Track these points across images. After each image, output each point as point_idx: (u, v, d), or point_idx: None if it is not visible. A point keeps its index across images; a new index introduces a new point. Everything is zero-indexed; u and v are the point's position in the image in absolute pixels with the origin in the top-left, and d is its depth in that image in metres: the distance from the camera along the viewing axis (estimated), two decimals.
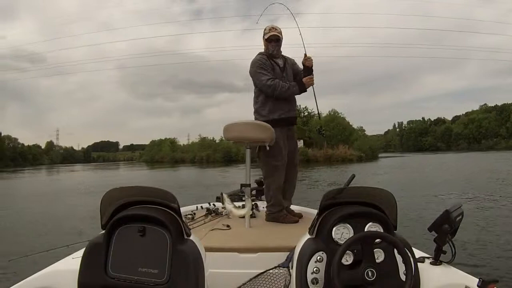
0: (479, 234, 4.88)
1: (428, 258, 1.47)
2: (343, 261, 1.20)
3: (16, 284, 1.35)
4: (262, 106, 2.49)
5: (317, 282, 1.22)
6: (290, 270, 1.55)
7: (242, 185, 2.38)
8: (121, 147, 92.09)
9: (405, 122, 66.93)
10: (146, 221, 1.18)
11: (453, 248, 1.41)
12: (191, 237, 1.25)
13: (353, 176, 2.00)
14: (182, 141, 53.73)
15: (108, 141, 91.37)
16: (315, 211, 1.68)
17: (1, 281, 3.15)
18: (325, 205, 1.34)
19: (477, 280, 1.22)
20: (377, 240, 1.22)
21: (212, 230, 2.15)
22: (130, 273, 1.14)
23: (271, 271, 1.64)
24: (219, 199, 2.89)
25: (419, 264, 1.30)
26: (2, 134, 55.24)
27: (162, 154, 48.78)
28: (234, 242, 1.95)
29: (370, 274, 1.15)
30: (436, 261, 1.43)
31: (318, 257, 1.23)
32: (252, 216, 2.43)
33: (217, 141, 38.49)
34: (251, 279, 1.63)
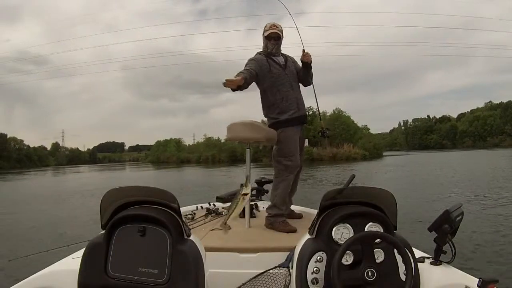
0: (479, 234, 4.88)
1: (428, 258, 1.47)
2: (343, 261, 1.20)
3: (16, 284, 1.35)
4: (272, 107, 2.38)
5: (317, 282, 1.22)
6: (290, 270, 1.55)
7: (242, 185, 2.38)
8: (126, 147, 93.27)
9: (410, 120, 67.49)
10: (146, 221, 1.18)
11: (453, 248, 1.41)
12: (191, 237, 1.25)
13: (353, 176, 1.99)
14: (188, 141, 54.39)
15: (113, 142, 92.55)
16: (315, 211, 1.68)
17: (1, 281, 3.15)
18: (325, 205, 1.34)
19: (477, 280, 1.22)
20: (377, 240, 1.22)
21: (212, 230, 2.15)
22: (130, 273, 1.14)
23: (271, 271, 1.64)
24: (219, 199, 2.90)
25: (419, 264, 1.30)
26: (8, 136, 55.87)
27: (167, 154, 48.95)
28: (234, 242, 1.95)
29: (370, 274, 1.15)
30: (436, 261, 1.43)
31: (318, 257, 1.24)
32: (252, 216, 2.43)
33: (222, 141, 38.39)
34: (251, 279, 1.63)
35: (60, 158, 67.85)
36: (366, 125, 38.43)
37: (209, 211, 2.59)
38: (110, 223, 1.19)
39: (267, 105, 2.41)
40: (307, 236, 1.35)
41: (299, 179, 2.58)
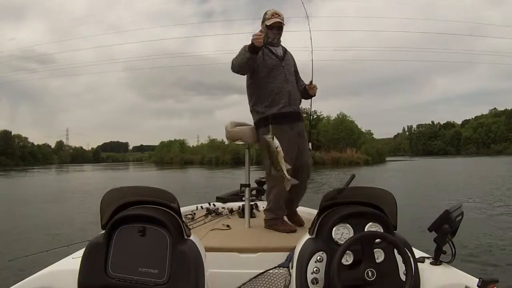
0: (479, 234, 4.88)
1: (428, 258, 1.47)
2: (343, 261, 1.20)
3: (16, 284, 1.35)
4: (257, 102, 2.20)
5: (317, 282, 1.22)
6: (290, 270, 1.55)
7: (241, 185, 2.39)
8: (130, 147, 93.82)
9: (414, 126, 67.57)
10: (146, 221, 1.18)
11: (453, 248, 1.41)
12: (191, 237, 1.25)
13: (353, 176, 2.00)
14: (192, 142, 54.18)
15: (117, 141, 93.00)
16: (315, 211, 1.68)
17: (1, 281, 3.15)
18: (325, 205, 1.34)
19: (477, 280, 1.22)
20: (377, 240, 1.22)
21: (212, 230, 2.15)
22: (130, 273, 1.14)
23: (271, 271, 1.64)
24: (219, 199, 2.90)
25: (419, 264, 1.30)
26: (13, 134, 56.25)
27: (171, 155, 49.00)
28: (234, 242, 1.95)
29: (370, 274, 1.15)
30: (436, 261, 1.43)
31: (318, 257, 1.24)
32: (252, 216, 2.43)
33: (226, 143, 38.39)
34: (251, 279, 1.63)
35: (64, 156, 68.05)
36: (370, 130, 38.66)
37: (209, 211, 2.59)
38: (110, 223, 1.19)
39: (256, 97, 2.22)
40: (307, 236, 1.36)
41: (306, 184, 2.38)
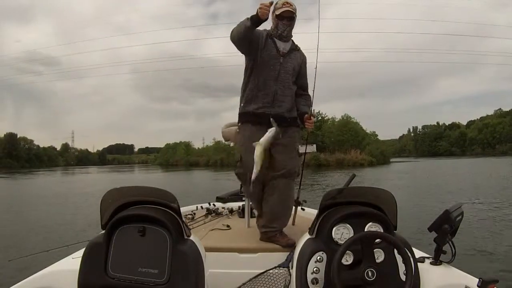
0: (479, 234, 4.88)
1: (428, 258, 1.47)
2: (343, 261, 1.20)
3: (16, 284, 1.35)
4: (242, 94, 2.03)
5: (317, 282, 1.22)
6: (290, 270, 1.55)
7: (242, 186, 2.39)
8: (136, 150, 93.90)
9: (419, 127, 67.52)
10: (146, 221, 1.18)
11: (453, 248, 1.41)
12: (191, 237, 1.25)
13: (353, 176, 1.99)
14: (197, 144, 53.94)
15: (123, 143, 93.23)
16: (315, 211, 1.68)
17: (1, 281, 3.15)
18: (325, 205, 1.34)
19: (477, 280, 1.22)
20: (377, 240, 1.22)
21: (212, 230, 2.15)
22: (130, 273, 1.14)
23: (271, 271, 1.64)
24: (219, 199, 2.90)
25: (419, 264, 1.30)
26: (18, 136, 56.31)
27: (176, 157, 49.11)
28: (234, 242, 1.95)
29: (370, 274, 1.15)
30: (436, 261, 1.43)
31: (318, 257, 1.24)
32: (252, 216, 2.43)
33: (231, 145, 38.11)
34: (251, 279, 1.63)
35: (70, 158, 68.12)
36: (375, 132, 38.63)
37: (209, 211, 2.59)
38: (110, 223, 1.19)
39: (242, 89, 2.05)
40: (307, 236, 1.36)
41: (290, 199, 2.04)
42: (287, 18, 1.96)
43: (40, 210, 8.57)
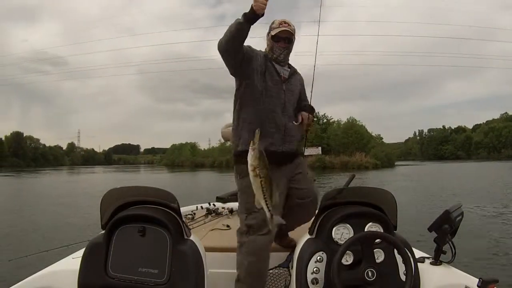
0: (479, 234, 4.89)
1: (428, 258, 1.47)
2: (343, 261, 1.20)
3: (16, 284, 1.35)
4: (236, 127, 1.70)
5: (317, 282, 1.22)
6: (290, 270, 1.55)
7: None
8: (142, 150, 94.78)
9: (425, 130, 67.65)
10: (146, 221, 1.18)
11: (453, 248, 1.41)
12: (191, 237, 1.25)
13: (353, 176, 1.99)
14: (203, 145, 54.00)
15: (129, 144, 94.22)
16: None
17: (1, 281, 3.15)
18: (325, 205, 1.34)
19: (477, 280, 1.22)
20: (377, 240, 1.22)
21: (212, 230, 2.15)
22: (130, 273, 1.14)
23: (271, 271, 1.64)
24: (219, 199, 2.89)
25: (419, 264, 1.30)
26: (24, 135, 56.89)
27: (182, 158, 49.26)
28: (234, 242, 1.94)
29: (370, 274, 1.15)
30: (436, 261, 1.43)
31: (318, 257, 1.24)
32: None
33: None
34: None
35: (75, 158, 68.58)
36: (380, 134, 38.87)
37: (209, 211, 2.59)
38: (110, 223, 1.19)
39: (236, 122, 1.70)
40: (307, 236, 1.36)
41: (306, 219, 1.75)
42: (284, 40, 1.67)
43: (42, 210, 8.58)
